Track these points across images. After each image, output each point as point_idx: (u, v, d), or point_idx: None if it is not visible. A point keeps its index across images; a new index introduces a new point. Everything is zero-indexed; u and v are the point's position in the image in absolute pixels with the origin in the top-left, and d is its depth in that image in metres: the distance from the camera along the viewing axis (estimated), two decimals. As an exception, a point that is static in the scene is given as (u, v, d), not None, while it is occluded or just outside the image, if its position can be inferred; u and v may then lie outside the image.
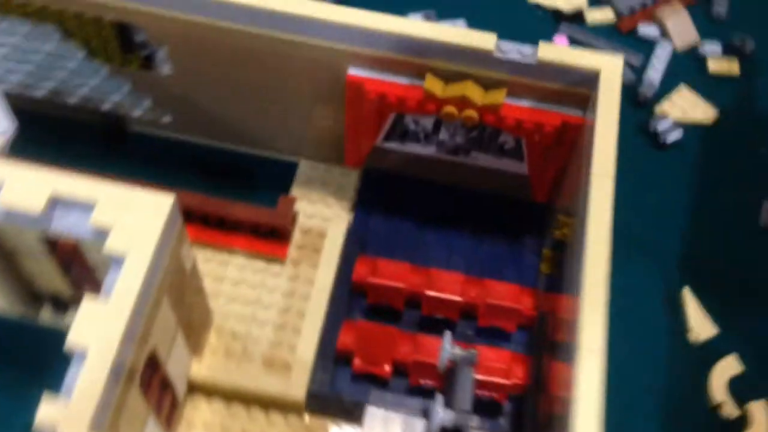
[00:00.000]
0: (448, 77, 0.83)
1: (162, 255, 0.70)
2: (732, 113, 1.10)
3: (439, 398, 0.72)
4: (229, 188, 1.00)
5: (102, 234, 0.70)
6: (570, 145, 0.86)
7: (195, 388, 0.88)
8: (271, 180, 1.02)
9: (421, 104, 0.84)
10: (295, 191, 1.01)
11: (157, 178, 0.90)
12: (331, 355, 0.89)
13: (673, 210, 1.04)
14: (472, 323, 0.92)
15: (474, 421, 0.75)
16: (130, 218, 0.70)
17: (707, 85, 1.12)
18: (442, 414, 0.72)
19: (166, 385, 0.80)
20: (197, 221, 0.96)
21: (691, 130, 1.09)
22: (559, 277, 0.84)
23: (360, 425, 0.83)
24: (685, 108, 1.10)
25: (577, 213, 0.79)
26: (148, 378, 0.73)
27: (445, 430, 0.72)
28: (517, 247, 0.97)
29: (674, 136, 1.07)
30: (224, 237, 0.96)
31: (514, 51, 0.80)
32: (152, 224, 0.70)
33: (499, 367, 0.85)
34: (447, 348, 0.75)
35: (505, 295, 0.90)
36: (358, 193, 1.00)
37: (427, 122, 0.90)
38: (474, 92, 0.82)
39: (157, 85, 0.98)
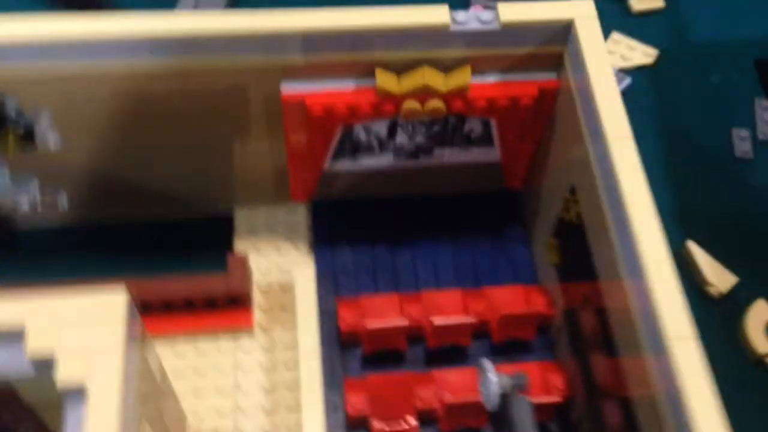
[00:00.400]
0: (401, 68, 0.71)
1: (131, 371, 0.54)
2: (671, 47, 1.03)
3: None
4: (159, 267, 0.83)
5: (44, 366, 0.53)
6: (547, 115, 0.76)
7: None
8: (207, 243, 0.86)
9: (376, 108, 0.71)
10: (239, 246, 0.85)
11: (66, 275, 0.73)
12: (341, 423, 0.74)
13: (644, 161, 0.95)
14: (484, 342, 0.80)
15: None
16: (78, 335, 0.53)
17: (637, 26, 1.05)
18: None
19: None
20: (141, 312, 0.79)
21: (638, 75, 1.01)
22: (574, 264, 0.73)
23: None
24: (623, 54, 1.02)
25: (585, 188, 0.68)
26: None
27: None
28: (504, 243, 0.85)
29: (623, 85, 0.99)
30: (174, 323, 0.79)
31: (473, 20, 0.68)
32: (109, 335, 0.53)
33: (535, 385, 0.73)
34: (493, 380, 0.62)
35: (514, 299, 0.79)
36: (314, 230, 0.86)
37: (380, 128, 0.78)
38: (435, 78, 0.70)
39: (44, 165, 0.80)
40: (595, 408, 0.68)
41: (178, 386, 0.76)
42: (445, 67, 0.71)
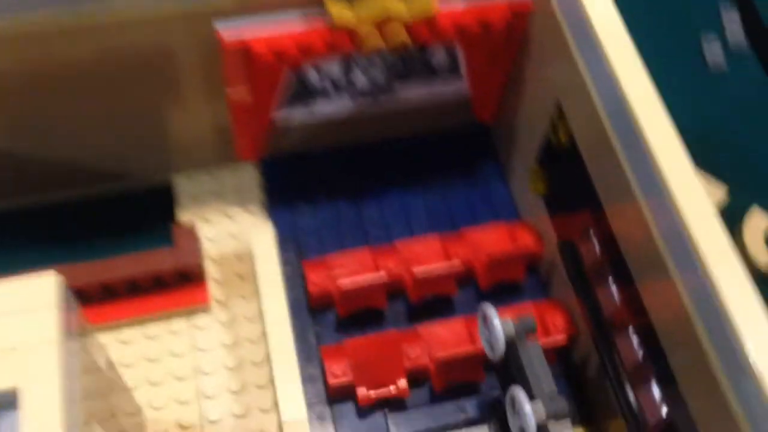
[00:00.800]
0: (352, -8, 0.62)
1: (71, 368, 0.44)
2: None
3: (521, 394, 0.52)
4: (96, 251, 0.72)
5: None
6: (519, 39, 0.68)
7: None
8: (147, 218, 0.77)
9: (331, 44, 0.62)
10: (184, 217, 0.76)
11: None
12: (322, 396, 0.66)
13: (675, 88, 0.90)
14: (470, 289, 0.72)
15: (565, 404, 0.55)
16: (3, 329, 0.43)
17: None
18: (531, 411, 0.51)
19: None
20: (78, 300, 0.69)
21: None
22: (566, 192, 0.66)
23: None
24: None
25: (577, 106, 0.61)
26: None
27: (541, 427, 0.53)
28: (479, 181, 0.78)
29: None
30: (119, 309, 0.69)
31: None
32: (42, 328, 0.43)
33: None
34: (498, 326, 0.55)
35: (498, 239, 0.71)
36: (267, 190, 0.77)
37: (332, 67, 0.69)
38: (395, 4, 0.62)
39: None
40: (607, 343, 0.61)
41: (130, 377, 0.67)
42: (404, -12, 0.63)
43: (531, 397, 0.53)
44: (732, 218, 0.79)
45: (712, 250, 0.50)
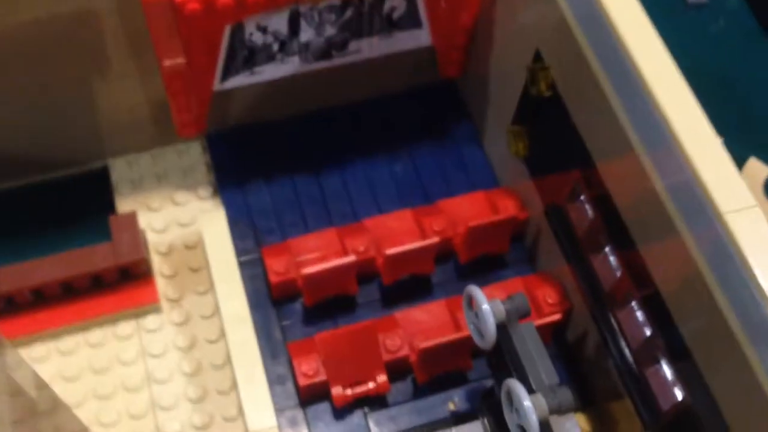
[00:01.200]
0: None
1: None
2: None
3: (519, 388, 0.45)
4: (23, 251, 0.64)
5: None
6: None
7: None
8: (81, 210, 0.69)
9: (269, -10, 0.54)
10: (123, 206, 0.67)
11: None
12: (293, 398, 0.59)
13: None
14: (449, 266, 0.65)
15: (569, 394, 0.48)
16: None
17: None
18: (532, 406, 0.45)
19: None
20: (7, 309, 0.61)
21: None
22: (551, 150, 0.59)
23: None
24: None
25: (560, 50, 0.54)
26: None
27: (543, 423, 0.46)
28: (451, 146, 0.71)
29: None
30: (52, 315, 0.61)
31: None
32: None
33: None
34: (487, 310, 0.47)
35: (477, 208, 0.64)
36: (215, 169, 0.69)
37: (278, 24, 0.60)
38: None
39: None
40: (607, 317, 0.54)
41: (74, 392, 0.59)
42: None
43: (530, 389, 0.46)
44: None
45: (730, 199, 0.44)
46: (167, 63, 0.60)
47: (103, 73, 0.64)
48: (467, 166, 0.70)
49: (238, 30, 0.60)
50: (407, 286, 0.63)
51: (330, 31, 0.63)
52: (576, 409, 0.54)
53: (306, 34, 0.62)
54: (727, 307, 0.43)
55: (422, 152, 0.70)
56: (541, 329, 0.56)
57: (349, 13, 0.62)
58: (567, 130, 0.55)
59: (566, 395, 0.46)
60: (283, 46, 0.63)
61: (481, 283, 0.62)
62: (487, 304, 0.48)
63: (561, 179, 0.58)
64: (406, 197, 0.68)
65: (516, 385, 0.46)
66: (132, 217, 0.63)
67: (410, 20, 0.64)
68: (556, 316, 0.58)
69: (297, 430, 0.58)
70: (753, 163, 0.72)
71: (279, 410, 0.58)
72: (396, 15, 0.63)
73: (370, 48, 0.65)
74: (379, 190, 0.68)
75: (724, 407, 0.45)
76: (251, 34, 0.60)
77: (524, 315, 0.49)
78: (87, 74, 0.63)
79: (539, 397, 0.46)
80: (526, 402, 0.45)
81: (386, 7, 0.62)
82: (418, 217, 0.64)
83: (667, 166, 0.46)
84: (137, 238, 0.62)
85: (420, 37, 0.66)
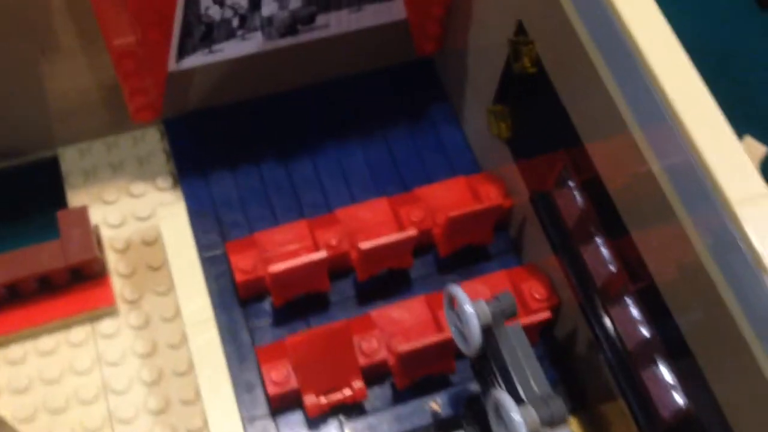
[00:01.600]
0: None
1: None
2: None
3: (507, 400, 0.41)
4: None
5: None
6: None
7: None
8: (28, 204, 0.64)
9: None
10: (75, 199, 0.62)
11: None
12: (263, 407, 0.54)
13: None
14: (429, 259, 0.60)
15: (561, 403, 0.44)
16: None
17: None
18: (522, 418, 0.40)
19: None
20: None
21: None
22: (536, 131, 0.54)
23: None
24: None
25: (544, 21, 0.49)
26: None
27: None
28: (428, 128, 0.66)
29: None
30: (1, 321, 0.56)
31: None
32: None
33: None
34: (471, 312, 0.43)
35: (458, 195, 0.60)
36: (174, 157, 0.64)
37: (237, -3, 0.55)
38: None
39: None
40: (598, 313, 0.50)
41: (22, 405, 0.54)
42: None
43: (518, 399, 0.42)
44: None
45: (736, 182, 0.40)
46: (116, 42, 0.55)
47: (50, 54, 0.59)
48: (446, 149, 0.65)
49: (192, 3, 0.54)
50: (384, 281, 0.59)
51: (295, 3, 0.57)
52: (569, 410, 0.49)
53: (268, 7, 0.57)
54: (732, 301, 0.39)
55: (397, 135, 0.66)
56: (528, 328, 0.52)
57: (313, -16, 0.57)
58: (553, 109, 0.50)
59: (559, 406, 0.42)
60: (244, 20, 0.57)
61: (464, 277, 0.59)
62: (471, 306, 0.43)
63: (547, 163, 0.53)
64: (382, 184, 0.63)
65: (504, 397, 0.42)
66: (83, 212, 0.57)
67: (382, -8, 0.59)
68: (545, 315, 0.54)
69: (267, 441, 0.54)
70: (749, 142, 0.68)
71: (248, 420, 0.54)
72: (367, -17, 0.58)
73: (338, 22, 0.60)
74: (353, 177, 0.64)
75: (729, 413, 0.41)
76: (207, 8, 0.55)
77: (511, 316, 0.45)
78: (32, 55, 0.59)
79: (529, 409, 0.41)
80: (516, 416, 0.41)
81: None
82: (395, 206, 0.59)
83: (666, 147, 0.42)
84: (89, 235, 0.57)
85: (392, 11, 0.61)
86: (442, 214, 0.58)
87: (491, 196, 0.60)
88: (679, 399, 0.45)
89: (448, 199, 0.60)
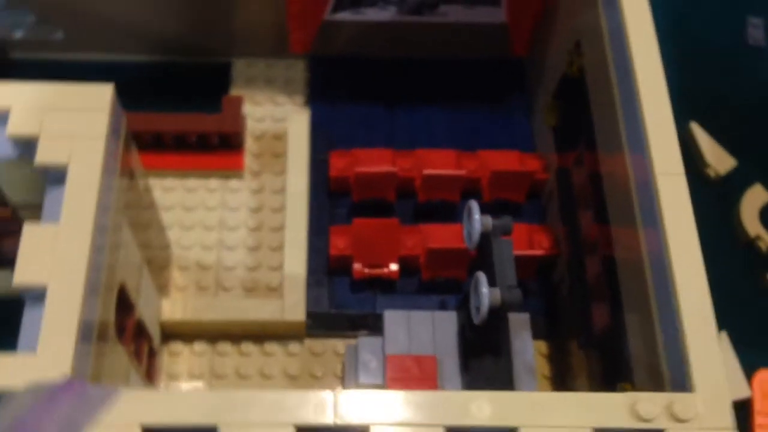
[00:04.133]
0: None
1: (112, 161, 0.54)
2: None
3: (482, 277, 0.60)
4: (157, 105, 0.81)
5: (25, 147, 0.53)
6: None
7: (170, 336, 0.72)
8: (201, 89, 0.85)
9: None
10: (236, 94, 0.85)
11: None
12: (324, 267, 0.75)
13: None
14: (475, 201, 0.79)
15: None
16: (62, 119, 0.53)
17: None
18: (488, 293, 0.59)
19: (141, 331, 0.64)
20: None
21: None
22: (572, 123, 0.73)
23: (377, 334, 0.69)
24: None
25: (590, 41, 0.67)
26: (120, 321, 0.58)
27: (494, 310, 0.60)
28: (504, 111, 0.85)
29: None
30: (166, 158, 0.79)
31: None
32: (93, 122, 0.53)
33: (519, 239, 0.73)
34: (477, 218, 0.62)
35: (507, 160, 0.78)
36: (311, 85, 0.86)
37: (385, -24, 0.76)
38: None
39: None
40: (578, 263, 0.68)
41: (166, 218, 0.77)
42: None
43: (492, 284, 0.61)
44: (736, 190, 0.84)
45: (674, 212, 0.53)
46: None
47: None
48: (514, 132, 0.83)
49: (352, -26, 0.76)
50: (436, 208, 0.78)
51: (425, -9, 0.78)
52: (529, 311, 0.68)
53: (393, -10, 0.78)
54: (651, 287, 0.54)
55: (478, 114, 0.84)
56: (526, 259, 0.71)
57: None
58: (584, 110, 0.68)
59: (517, 294, 0.60)
60: (383, -5, 0.78)
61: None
62: (479, 215, 0.62)
63: (574, 152, 0.71)
64: (457, 143, 0.82)
65: (481, 276, 0.60)
66: (239, 100, 0.80)
67: (491, -1, 0.79)
68: (540, 251, 0.72)
69: (320, 290, 0.74)
70: (756, 189, 0.83)
71: (310, 271, 0.74)
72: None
73: (454, 14, 0.80)
74: (436, 133, 0.83)
75: (630, 331, 0.58)
76: (363, -20, 0.76)
77: (505, 233, 0.63)
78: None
79: (496, 291, 0.60)
80: (484, 289, 0.60)
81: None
82: (459, 157, 0.78)
83: (639, 170, 0.56)
84: (239, 116, 0.79)
85: (496, 15, 0.80)
86: (490, 168, 0.77)
87: (533, 165, 0.78)
88: (605, 320, 0.63)
89: (499, 160, 0.78)
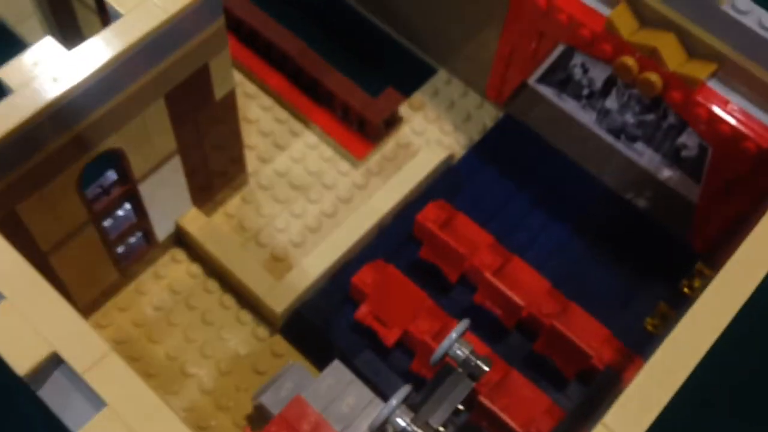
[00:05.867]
0: (648, 18, 0.60)
1: (175, 36, 0.54)
2: None
3: (405, 390, 0.51)
4: (339, 59, 0.80)
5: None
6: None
7: (186, 244, 0.72)
8: (394, 73, 0.83)
9: (595, 38, 0.62)
10: (416, 99, 0.81)
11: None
12: (341, 287, 0.70)
13: None
14: (525, 342, 0.69)
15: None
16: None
17: None
18: (390, 412, 0.50)
19: (141, 214, 0.64)
20: (284, 72, 0.79)
21: None
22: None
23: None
24: None
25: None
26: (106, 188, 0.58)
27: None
28: (633, 288, 0.72)
29: None
30: (307, 104, 0.79)
31: (755, 17, 0.55)
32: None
33: (527, 414, 0.62)
34: (452, 336, 0.53)
35: (587, 332, 0.66)
36: (484, 136, 0.79)
37: (598, 77, 0.67)
38: (671, 51, 0.58)
39: None
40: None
41: (268, 151, 0.77)
42: (691, 48, 0.59)
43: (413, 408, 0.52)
44: None
45: None
46: (506, 37, 0.71)
47: (496, 21, 0.73)
48: (627, 312, 0.70)
49: (568, 53, 0.68)
50: (484, 321, 0.68)
51: (630, 117, 0.68)
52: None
53: (611, 103, 0.68)
54: None
55: (611, 269, 0.71)
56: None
57: (650, 116, 0.66)
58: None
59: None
60: (591, 96, 0.69)
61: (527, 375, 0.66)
62: (456, 335, 0.53)
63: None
64: (562, 281, 0.69)
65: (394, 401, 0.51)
66: (397, 100, 0.76)
67: (692, 167, 0.66)
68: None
69: (325, 301, 0.69)
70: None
71: (334, 282, 0.70)
72: (684, 152, 0.66)
73: (649, 160, 0.69)
74: (553, 258, 0.72)
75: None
76: (575, 65, 0.68)
77: (474, 377, 0.54)
78: (488, 18, 0.74)
79: (387, 410, 0.51)
80: (385, 411, 0.51)
81: (682, 138, 0.65)
82: (547, 293, 0.67)
83: None
84: (387, 112, 0.75)
85: (690, 190, 0.68)
86: (559, 323, 0.65)
87: (603, 354, 0.65)
88: None
89: (578, 323, 0.65)
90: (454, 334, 0.54)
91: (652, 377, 0.42)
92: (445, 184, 0.76)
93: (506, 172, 0.77)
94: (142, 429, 0.38)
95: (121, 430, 0.38)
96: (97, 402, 0.39)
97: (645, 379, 0.42)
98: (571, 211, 0.75)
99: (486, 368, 0.54)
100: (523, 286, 0.68)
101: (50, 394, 0.41)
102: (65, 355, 0.39)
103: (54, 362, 0.40)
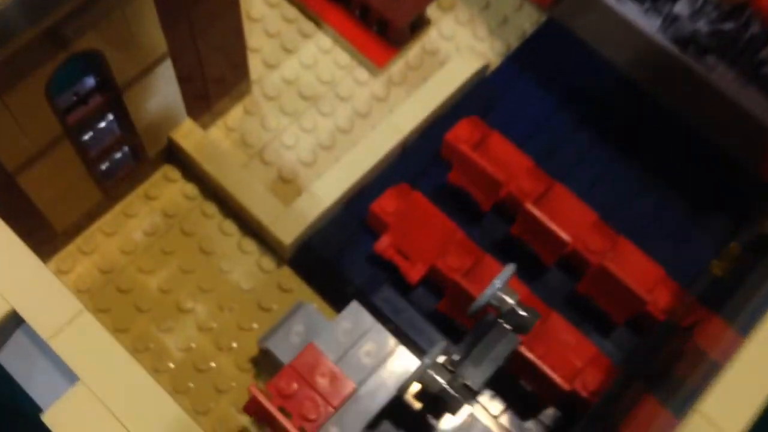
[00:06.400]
0: None
1: None
2: None
3: (440, 346, 0.43)
4: None
5: None
6: None
7: (178, 161, 0.63)
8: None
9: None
10: (446, 1, 0.71)
11: None
12: (358, 215, 0.61)
13: None
14: (569, 283, 0.61)
15: (471, 403, 0.45)
16: None
17: None
18: (430, 368, 0.42)
19: (127, 126, 0.55)
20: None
21: None
22: (734, 287, 0.51)
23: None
24: None
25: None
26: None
27: (425, 391, 0.44)
28: (694, 224, 0.63)
29: None
30: (320, 1, 0.68)
31: None
32: None
33: (570, 364, 0.55)
34: (496, 284, 0.45)
35: (640, 272, 0.58)
36: (523, 44, 0.69)
37: (670, -23, 0.57)
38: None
39: None
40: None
41: (273, 55, 0.67)
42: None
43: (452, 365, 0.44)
44: None
45: None
46: None
47: None
48: (686, 249, 0.62)
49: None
50: (519, 254, 0.60)
51: (702, 25, 0.58)
52: None
53: (682, 8, 0.58)
54: None
55: (668, 202, 0.63)
56: (551, 387, 0.53)
57: (729, 25, 0.56)
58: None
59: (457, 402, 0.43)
60: (656, 2, 0.59)
61: (571, 322, 0.58)
62: (500, 283, 0.45)
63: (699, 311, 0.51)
64: (609, 213, 0.62)
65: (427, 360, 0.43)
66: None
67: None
68: (568, 389, 0.52)
69: (337, 231, 0.61)
70: None
71: (347, 208, 0.61)
72: (765, 71, 0.56)
73: (720, 78, 0.59)
74: (598, 186, 0.64)
75: None
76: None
77: (521, 330, 0.46)
78: None
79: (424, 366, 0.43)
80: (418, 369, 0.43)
81: (763, 54, 0.55)
82: (594, 225, 0.59)
83: None
84: (413, 15, 0.66)
85: (765, 113, 0.58)
86: (611, 263, 0.57)
87: (659, 298, 0.57)
88: None
89: (632, 266, 0.57)
90: (498, 282, 0.45)
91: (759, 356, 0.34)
92: (478, 98, 0.66)
93: (547, 85, 0.67)
94: (124, 411, 0.30)
95: (97, 412, 0.30)
96: (69, 374, 0.31)
97: (750, 358, 0.34)
98: (619, 131, 0.66)
99: (534, 320, 0.46)
100: (567, 218, 0.60)
101: (11, 360, 0.33)
102: (26, 314, 0.31)
103: (13, 322, 0.32)
